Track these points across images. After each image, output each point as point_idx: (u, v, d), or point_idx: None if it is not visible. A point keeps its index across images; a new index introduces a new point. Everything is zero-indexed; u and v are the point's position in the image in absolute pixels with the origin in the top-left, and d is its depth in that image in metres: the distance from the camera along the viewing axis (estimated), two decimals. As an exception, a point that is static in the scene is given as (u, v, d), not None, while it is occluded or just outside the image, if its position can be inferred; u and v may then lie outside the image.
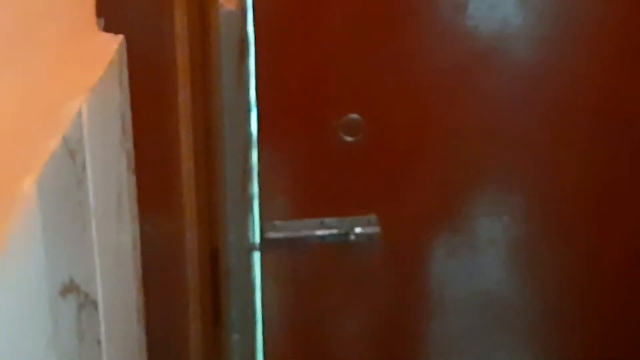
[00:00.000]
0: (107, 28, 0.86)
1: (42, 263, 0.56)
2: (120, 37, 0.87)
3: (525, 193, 1.88)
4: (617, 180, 1.89)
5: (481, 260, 1.91)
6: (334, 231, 1.82)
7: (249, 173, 1.74)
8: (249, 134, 1.72)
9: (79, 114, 0.64)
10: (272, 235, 1.81)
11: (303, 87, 1.77)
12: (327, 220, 1.82)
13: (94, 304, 0.71)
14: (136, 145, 0.95)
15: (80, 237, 0.67)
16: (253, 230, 1.78)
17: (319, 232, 1.82)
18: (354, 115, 1.77)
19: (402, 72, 1.78)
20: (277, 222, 1.81)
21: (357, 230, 1.81)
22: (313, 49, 1.75)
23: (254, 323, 1.82)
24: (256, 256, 1.81)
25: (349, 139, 1.78)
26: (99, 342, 0.72)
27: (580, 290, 1.97)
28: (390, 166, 1.83)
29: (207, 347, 1.65)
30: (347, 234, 1.81)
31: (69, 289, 0.63)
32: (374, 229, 1.82)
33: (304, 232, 1.82)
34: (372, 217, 1.82)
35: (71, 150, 0.62)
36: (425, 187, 1.85)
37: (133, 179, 0.95)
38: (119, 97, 0.85)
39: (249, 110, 1.72)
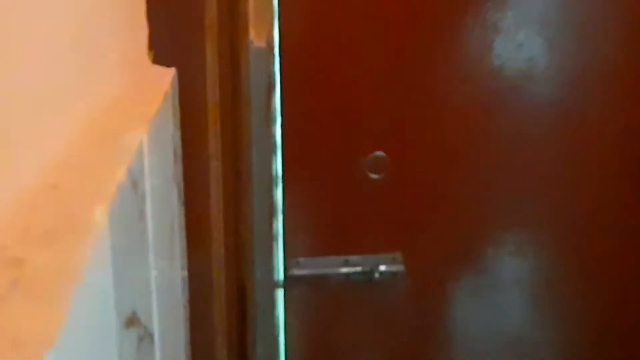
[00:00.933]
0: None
1: (112, 294, 0.56)
2: (172, 70, 0.88)
3: (550, 233, 1.87)
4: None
5: (505, 300, 1.90)
6: (358, 269, 1.81)
7: (274, 210, 1.74)
8: (274, 170, 1.72)
9: (141, 144, 0.64)
10: (295, 272, 1.80)
11: (328, 125, 1.77)
12: (352, 257, 1.82)
13: (151, 336, 0.71)
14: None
15: (140, 269, 0.67)
16: (277, 267, 1.78)
17: (344, 270, 1.81)
18: (380, 153, 1.77)
19: (427, 111, 1.78)
20: (301, 259, 1.81)
21: (382, 268, 1.80)
22: (338, 87, 1.75)
23: (278, 359, 1.81)
24: (280, 293, 1.80)
25: (374, 176, 1.78)
26: (155, 374, 0.72)
27: (606, 333, 1.96)
28: (415, 204, 1.82)
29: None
30: (371, 272, 1.81)
31: (132, 321, 0.63)
32: (399, 267, 1.82)
33: (328, 270, 1.81)
34: (397, 255, 1.82)
35: (134, 181, 0.62)
36: (449, 225, 1.84)
37: (182, 212, 0.95)
38: (172, 129, 0.86)
39: (274, 147, 1.72)
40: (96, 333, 0.52)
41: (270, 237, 1.74)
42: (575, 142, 1.82)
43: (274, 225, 1.75)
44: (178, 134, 0.90)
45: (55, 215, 0.52)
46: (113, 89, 0.73)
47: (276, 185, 1.74)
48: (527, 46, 1.74)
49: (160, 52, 0.88)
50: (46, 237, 0.50)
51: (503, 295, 1.90)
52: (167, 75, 0.85)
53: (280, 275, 1.79)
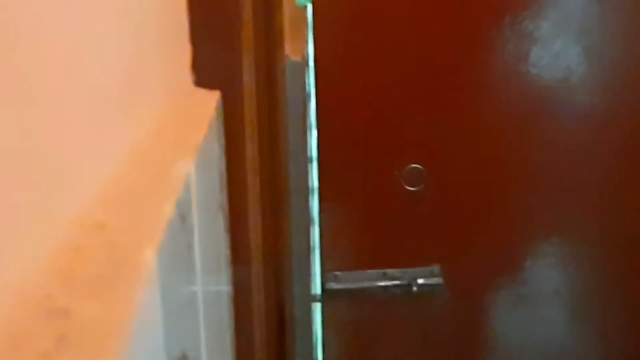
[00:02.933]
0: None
1: (161, 339, 0.55)
2: (216, 94, 0.87)
3: (591, 244, 1.85)
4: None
5: (545, 313, 1.88)
6: (397, 282, 1.80)
7: (311, 224, 1.73)
8: (311, 183, 1.72)
9: (188, 175, 0.63)
10: (333, 286, 1.79)
11: (364, 137, 1.76)
12: (390, 271, 1.80)
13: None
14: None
15: (189, 307, 0.65)
16: (315, 281, 1.77)
17: (381, 283, 1.80)
18: (416, 165, 1.76)
19: (464, 122, 1.77)
20: (338, 273, 1.80)
21: (420, 281, 1.79)
22: (374, 99, 1.74)
23: (316, 375, 1.80)
24: (317, 307, 1.79)
25: (411, 188, 1.77)
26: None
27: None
28: (453, 216, 1.81)
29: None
30: (409, 285, 1.79)
31: (182, 361, 0.62)
32: (437, 280, 1.80)
33: (366, 283, 1.80)
34: (435, 268, 1.81)
35: (182, 215, 0.61)
36: (488, 237, 1.83)
37: (228, 238, 0.95)
38: (217, 156, 0.85)
39: (310, 160, 1.71)
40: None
41: (308, 252, 1.73)
42: (616, 152, 1.80)
43: (311, 240, 1.74)
44: (223, 160, 0.89)
45: (102, 258, 0.51)
46: (158, 115, 0.72)
47: (313, 199, 1.74)
48: (564, 55, 1.73)
49: (201, 74, 0.87)
50: (93, 284, 0.49)
51: (543, 308, 1.88)
52: (211, 100, 0.84)
53: (317, 289, 1.78)
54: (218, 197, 0.85)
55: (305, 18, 1.63)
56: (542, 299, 1.87)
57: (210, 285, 0.79)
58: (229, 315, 0.96)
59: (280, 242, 1.67)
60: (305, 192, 1.71)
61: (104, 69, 0.59)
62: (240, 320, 1.42)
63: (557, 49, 1.73)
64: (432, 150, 1.77)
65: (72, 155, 0.53)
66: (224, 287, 0.92)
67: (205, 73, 0.87)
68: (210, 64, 0.90)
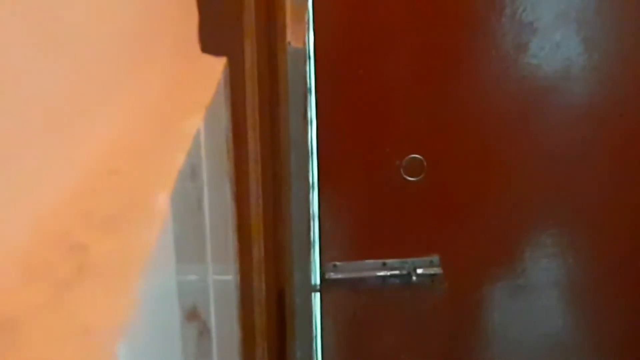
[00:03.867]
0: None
1: (175, 285, 0.55)
2: (223, 60, 0.87)
3: (590, 235, 1.85)
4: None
5: (544, 303, 1.89)
6: (396, 272, 1.80)
7: (311, 214, 1.73)
8: (311, 174, 1.72)
9: (198, 132, 0.64)
10: (332, 276, 1.79)
11: (364, 127, 1.77)
12: (389, 261, 1.81)
13: (209, 332, 0.70)
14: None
15: (199, 262, 0.66)
16: (315, 271, 1.77)
17: (381, 273, 1.81)
18: (416, 155, 1.76)
19: (463, 112, 1.77)
20: (338, 263, 1.80)
21: (419, 271, 1.80)
22: (373, 90, 1.75)
23: (316, 364, 1.80)
24: (316, 297, 1.80)
25: (410, 178, 1.77)
26: (212, 371, 0.71)
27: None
28: (452, 206, 1.81)
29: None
30: (409, 275, 1.80)
31: (193, 314, 0.62)
32: (436, 270, 1.81)
33: (365, 273, 1.81)
34: (435, 258, 1.81)
35: (193, 170, 0.62)
36: (487, 227, 1.83)
37: (234, 206, 0.95)
38: (225, 119, 0.85)
39: (311, 150, 1.71)
40: (162, 324, 0.52)
41: (308, 241, 1.73)
42: (616, 143, 1.81)
43: (312, 230, 1.74)
44: (229, 125, 0.90)
45: (117, 201, 0.51)
46: (167, 77, 0.72)
47: (313, 189, 1.74)
48: (564, 46, 1.73)
49: (207, 42, 0.87)
50: (109, 223, 0.49)
51: (541, 298, 1.88)
52: (218, 64, 0.84)
53: (317, 279, 1.78)
54: (225, 163, 0.85)
55: (306, 5, 1.63)
56: (540, 289, 1.87)
57: (220, 250, 0.80)
58: (235, 284, 0.96)
59: (281, 232, 1.67)
60: (306, 182, 1.71)
61: (115, 24, 0.59)
62: (242, 305, 1.42)
63: (557, 40, 1.73)
64: (432, 141, 1.78)
65: (86, 108, 0.53)
66: (232, 257, 0.92)
67: (211, 40, 0.88)
68: (216, 32, 0.90)
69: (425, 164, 1.77)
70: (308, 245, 1.74)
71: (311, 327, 1.78)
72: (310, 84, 1.70)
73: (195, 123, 0.65)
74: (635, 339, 1.93)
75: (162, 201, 0.53)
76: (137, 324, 0.43)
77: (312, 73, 1.70)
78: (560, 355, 1.93)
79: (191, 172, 0.61)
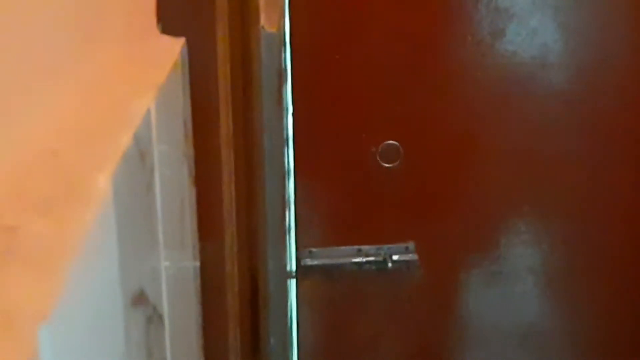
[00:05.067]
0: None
1: (116, 268, 0.54)
2: (182, 40, 0.86)
3: (565, 221, 1.85)
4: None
5: (520, 289, 1.89)
6: (371, 258, 1.80)
7: (286, 200, 1.72)
8: (286, 159, 1.71)
9: (148, 112, 0.62)
10: (308, 262, 1.79)
11: (340, 114, 1.76)
12: (365, 247, 1.80)
13: (161, 318, 0.69)
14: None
15: (148, 245, 0.65)
16: (290, 257, 1.76)
17: (356, 260, 1.80)
18: (392, 142, 1.76)
19: (439, 99, 1.76)
20: (313, 250, 1.79)
21: (395, 257, 1.79)
22: (350, 76, 1.74)
23: (290, 350, 1.80)
24: (292, 283, 1.79)
25: (386, 165, 1.76)
26: (164, 358, 0.70)
27: (623, 321, 1.94)
28: (427, 193, 1.81)
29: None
30: (384, 262, 1.79)
31: (139, 299, 0.61)
32: (412, 256, 1.80)
33: (341, 260, 1.80)
34: (410, 245, 1.80)
35: (141, 151, 0.60)
36: (463, 214, 1.83)
37: (194, 190, 0.94)
38: (182, 101, 0.84)
39: (286, 137, 1.70)
40: (98, 309, 0.50)
41: (283, 228, 1.73)
42: (593, 128, 1.80)
43: (287, 216, 1.73)
44: (189, 107, 0.88)
45: (54, 183, 0.50)
46: (119, 56, 0.71)
47: (288, 175, 1.73)
48: (541, 32, 1.73)
49: (169, 24, 0.86)
50: (43, 205, 0.48)
51: (516, 284, 1.88)
52: (176, 45, 0.83)
53: (292, 265, 1.77)
54: (182, 145, 0.84)
55: (281, -9, 1.62)
56: (515, 275, 1.87)
57: (175, 234, 0.78)
58: (194, 275, 0.95)
59: (255, 218, 1.66)
60: (281, 167, 1.70)
61: (62, 5, 0.58)
62: (212, 294, 1.42)
63: (533, 26, 1.72)
64: (408, 127, 1.77)
65: (28, 87, 0.52)
66: (190, 242, 0.91)
67: (172, 24, 0.87)
68: (179, 16, 0.89)
69: (401, 150, 1.76)
70: (283, 231, 1.73)
71: (286, 313, 1.77)
72: (285, 69, 1.68)
73: (145, 103, 0.63)
74: (609, 324, 1.93)
75: (103, 183, 0.51)
76: (64, 308, 0.42)
77: (288, 58, 1.69)
78: (535, 340, 1.93)
79: (139, 152, 0.60)
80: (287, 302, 1.76)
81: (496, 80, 1.76)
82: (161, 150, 0.67)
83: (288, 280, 1.76)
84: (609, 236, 1.88)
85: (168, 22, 0.86)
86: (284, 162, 1.70)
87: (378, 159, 1.76)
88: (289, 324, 1.79)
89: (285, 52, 1.67)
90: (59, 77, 0.59)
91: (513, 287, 1.88)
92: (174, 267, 0.77)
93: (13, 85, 0.49)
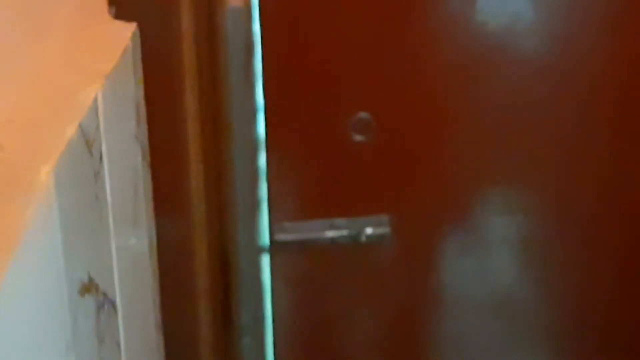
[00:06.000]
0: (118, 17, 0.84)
1: (61, 259, 0.53)
2: (133, 25, 0.85)
3: (539, 191, 1.85)
4: (637, 177, 1.85)
5: (494, 260, 1.88)
6: (344, 232, 1.79)
7: (258, 174, 1.71)
8: (257, 134, 1.69)
9: (95, 101, 0.61)
10: (281, 237, 1.78)
11: (311, 86, 1.74)
12: (337, 220, 1.79)
13: (113, 304, 0.68)
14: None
15: (97, 233, 0.64)
16: (262, 232, 1.75)
17: (329, 233, 1.79)
18: (364, 114, 1.74)
19: (411, 69, 1.75)
20: (286, 224, 1.78)
21: (368, 230, 1.78)
22: (321, 47, 1.72)
23: (264, 326, 1.79)
24: (265, 258, 1.78)
25: (358, 138, 1.75)
26: (118, 345, 0.69)
27: (597, 290, 1.94)
28: (401, 165, 1.80)
29: (218, 350, 1.63)
30: (357, 235, 1.78)
31: (88, 287, 0.60)
32: (385, 230, 1.79)
33: (314, 234, 1.79)
34: (383, 218, 1.79)
35: (87, 140, 0.59)
36: (437, 185, 1.82)
37: (148, 173, 0.93)
38: (133, 87, 0.82)
39: (256, 110, 1.69)
40: (42, 300, 0.50)
41: (254, 202, 1.72)
42: (567, 97, 1.80)
43: (258, 190, 1.72)
44: (141, 92, 0.87)
45: (-2, 177, 0.49)
46: (66, 44, 0.70)
47: (259, 149, 1.71)
48: (511, 0, 1.71)
49: (122, 8, 0.85)
50: (-17, 201, 0.47)
51: (491, 256, 1.88)
52: (127, 30, 0.82)
53: (265, 240, 1.76)
54: (133, 128, 0.83)
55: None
56: (490, 246, 1.87)
57: (127, 219, 0.77)
58: (151, 255, 0.94)
59: (225, 192, 1.65)
60: (252, 142, 1.69)
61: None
62: (176, 272, 1.41)
63: (504, -5, 1.71)
64: (379, 99, 1.76)
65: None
66: (144, 223, 0.90)
67: (125, 8, 0.85)
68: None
69: (373, 122, 1.75)
70: (255, 205, 1.72)
71: (260, 288, 1.77)
72: (254, 42, 1.67)
73: (91, 92, 0.62)
74: (585, 293, 1.94)
75: (44, 175, 0.50)
76: (2, 304, 0.41)
77: (258, 30, 1.67)
78: (510, 310, 1.93)
79: (85, 141, 0.59)
80: (260, 277, 1.76)
81: (467, 50, 1.75)
82: (110, 137, 0.66)
83: (260, 255, 1.76)
84: (584, 205, 1.87)
85: (121, 7, 0.85)
86: (254, 136, 1.68)
87: (350, 131, 1.75)
88: (262, 299, 1.78)
89: (253, 26, 1.65)
90: (4, 67, 0.57)
91: (487, 259, 1.88)
92: (127, 250, 0.76)
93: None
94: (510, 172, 1.83)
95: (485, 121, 1.79)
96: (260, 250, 1.74)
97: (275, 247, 1.77)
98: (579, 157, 1.83)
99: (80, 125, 0.56)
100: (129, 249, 0.76)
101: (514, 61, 1.76)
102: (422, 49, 1.74)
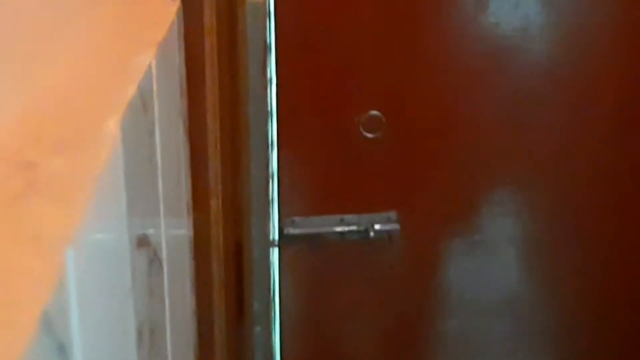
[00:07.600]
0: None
1: (124, 208, 0.56)
2: (177, 2, 0.88)
3: (545, 192, 1.88)
4: (638, 180, 1.88)
5: (501, 259, 1.91)
6: (354, 228, 1.82)
7: (271, 169, 1.74)
8: (271, 130, 1.72)
9: (150, 67, 0.64)
10: (291, 231, 1.81)
11: (323, 84, 1.77)
12: (347, 216, 1.82)
13: (160, 261, 0.71)
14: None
15: (150, 192, 0.67)
16: (273, 226, 1.78)
17: (339, 229, 1.82)
18: (375, 112, 1.77)
19: (422, 69, 1.78)
20: (296, 219, 1.81)
21: (377, 227, 1.81)
22: (334, 46, 1.75)
23: (273, 314, 1.82)
24: (275, 252, 1.81)
25: (369, 135, 1.78)
26: (163, 300, 0.72)
27: (600, 290, 1.97)
28: (410, 163, 1.83)
29: (231, 339, 1.65)
30: (366, 231, 1.81)
31: (143, 242, 0.63)
32: (394, 226, 1.82)
33: (324, 229, 1.82)
34: (392, 214, 1.82)
35: (144, 102, 0.62)
36: (445, 184, 1.85)
37: (188, 145, 0.96)
38: (178, 60, 0.86)
39: (270, 107, 1.72)
40: (111, 242, 0.53)
41: (267, 197, 1.75)
42: (574, 101, 1.82)
43: (270, 185, 1.75)
44: (184, 68, 0.90)
45: (67, 126, 0.52)
46: (120, 15, 0.73)
47: (272, 145, 1.74)
48: (523, 4, 1.74)
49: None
50: (59, 145, 0.50)
51: (498, 254, 1.91)
52: (172, 6, 0.85)
53: (276, 234, 1.79)
54: (178, 103, 0.86)
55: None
56: (497, 245, 1.90)
57: (172, 185, 0.80)
58: (188, 220, 0.97)
59: (239, 186, 1.68)
60: (265, 138, 1.72)
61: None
62: (199, 256, 1.43)
63: (515, -2, 1.74)
64: (390, 98, 1.79)
65: (37, 39, 0.54)
66: (184, 192, 0.93)
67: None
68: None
69: (383, 120, 1.78)
70: (267, 200, 1.75)
71: (269, 280, 1.79)
72: (270, 39, 1.70)
73: (147, 58, 0.65)
74: (590, 294, 1.96)
75: (112, 126, 0.54)
76: (86, 235, 0.44)
77: (272, 28, 1.70)
78: (515, 309, 1.96)
79: (142, 103, 0.62)
80: (270, 269, 1.79)
81: (479, 52, 1.78)
82: (161, 103, 0.69)
83: (271, 249, 1.78)
84: (590, 206, 1.90)
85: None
86: (268, 133, 1.71)
87: (361, 129, 1.78)
88: (271, 290, 1.81)
89: (269, 23, 1.69)
90: (67, 31, 0.61)
91: (494, 257, 1.91)
92: (172, 218, 0.79)
93: (28, 44, 0.51)
94: (518, 171, 1.86)
95: (494, 121, 1.82)
96: (271, 243, 1.77)
97: (286, 241, 1.80)
98: (585, 160, 1.86)
99: (139, 86, 0.60)
100: (173, 213, 0.79)
101: (523, 63, 1.79)
102: (434, 50, 1.77)
